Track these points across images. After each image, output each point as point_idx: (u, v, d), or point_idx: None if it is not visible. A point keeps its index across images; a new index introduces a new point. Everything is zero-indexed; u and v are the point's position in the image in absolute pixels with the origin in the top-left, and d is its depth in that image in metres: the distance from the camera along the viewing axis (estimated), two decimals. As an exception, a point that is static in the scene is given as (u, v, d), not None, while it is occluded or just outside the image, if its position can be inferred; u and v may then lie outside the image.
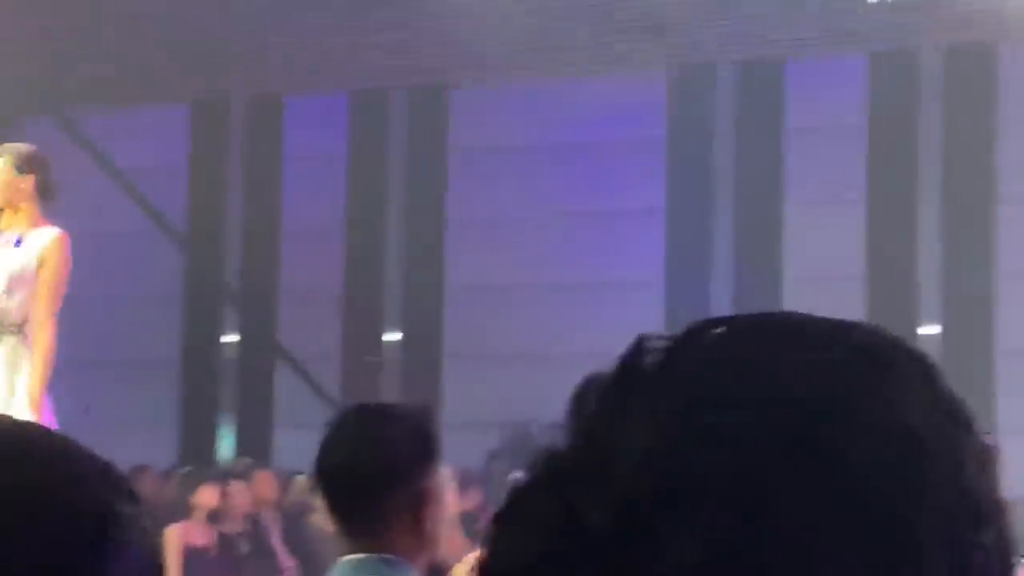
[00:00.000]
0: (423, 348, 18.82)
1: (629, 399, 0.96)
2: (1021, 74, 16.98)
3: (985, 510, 0.93)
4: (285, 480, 13.75)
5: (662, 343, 0.99)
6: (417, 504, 3.66)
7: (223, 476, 13.58)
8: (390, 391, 18.02)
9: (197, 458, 16.63)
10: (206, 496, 12.18)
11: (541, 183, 18.55)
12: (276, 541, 12.41)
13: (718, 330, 0.99)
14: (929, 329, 17.03)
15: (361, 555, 3.69)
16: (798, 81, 18.09)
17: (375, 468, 3.66)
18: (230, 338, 19.59)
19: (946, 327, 17.00)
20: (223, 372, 19.48)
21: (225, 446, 18.89)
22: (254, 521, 12.48)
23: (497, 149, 18.87)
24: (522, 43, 17.84)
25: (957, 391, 0.95)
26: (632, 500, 0.91)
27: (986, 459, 0.97)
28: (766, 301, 17.36)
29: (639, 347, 0.99)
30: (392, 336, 19.16)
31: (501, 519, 0.98)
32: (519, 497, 0.98)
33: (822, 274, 16.92)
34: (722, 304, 17.90)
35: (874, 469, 0.90)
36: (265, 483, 13.15)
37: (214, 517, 12.01)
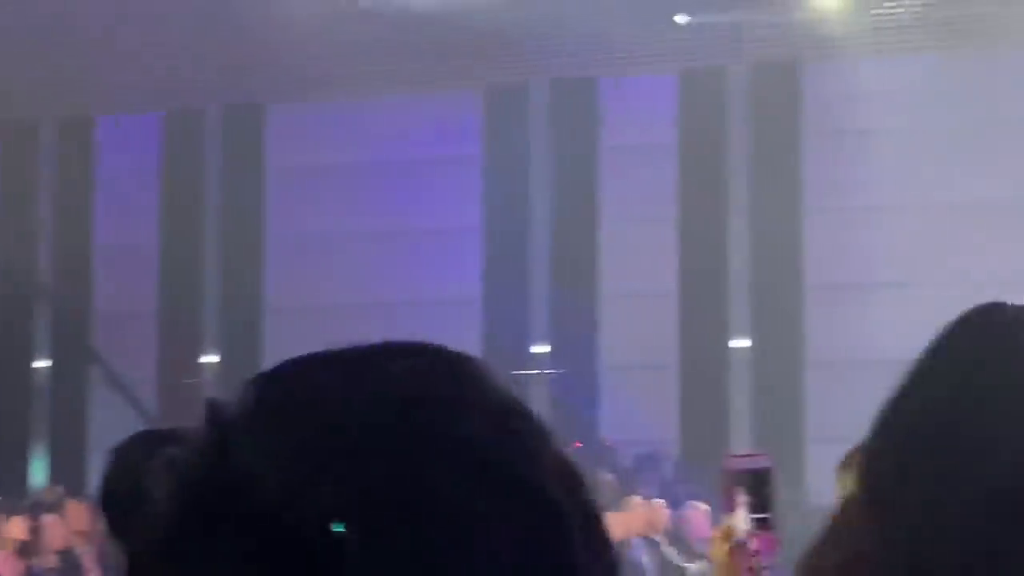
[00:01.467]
0: (242, 369, 18.65)
1: (239, 444, 1.00)
2: (823, 90, 17.42)
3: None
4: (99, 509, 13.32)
5: (232, 399, 1.03)
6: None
7: (35, 507, 13.16)
8: (208, 414, 17.81)
9: (8, 487, 16.24)
10: (15, 529, 11.70)
11: (358, 202, 18.51)
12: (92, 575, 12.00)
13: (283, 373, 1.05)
14: (740, 343, 17.38)
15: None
16: (611, 100, 18.29)
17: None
18: (43, 363, 19.21)
19: (756, 340, 17.34)
20: (35, 396, 19.10)
21: (37, 473, 18.49)
22: (69, 555, 12.05)
23: (315, 168, 18.79)
24: (339, 61, 17.84)
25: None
26: (287, 535, 0.96)
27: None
28: (582, 317, 17.60)
29: (213, 407, 1.03)
30: (211, 358, 18.95)
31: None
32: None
33: (636, 290, 17.16)
34: (539, 321, 18.08)
35: (496, 444, 1.01)
36: (78, 514, 12.60)
37: (24, 551, 11.53)
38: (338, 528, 0.96)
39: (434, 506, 0.99)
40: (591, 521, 1.04)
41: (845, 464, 3.67)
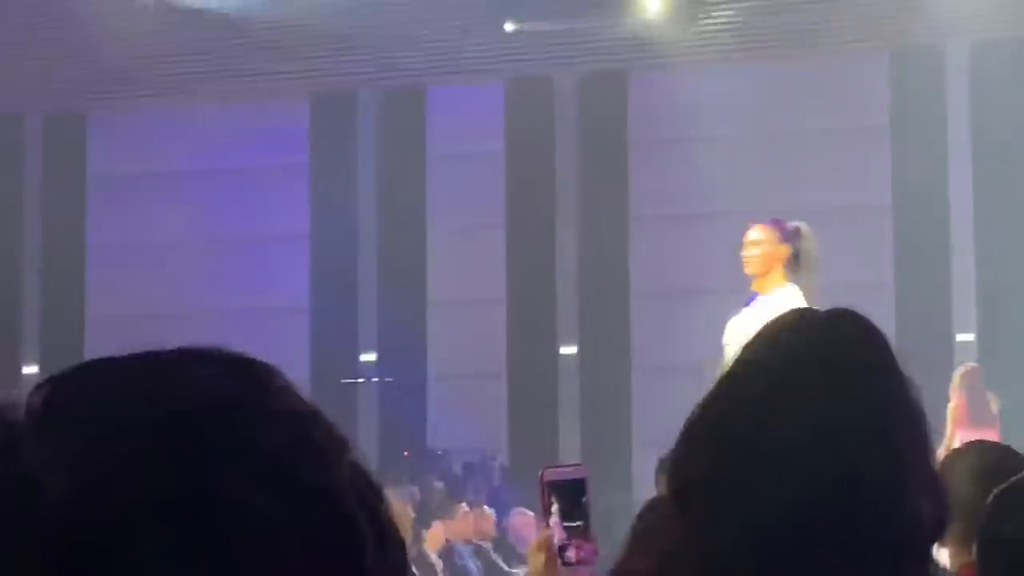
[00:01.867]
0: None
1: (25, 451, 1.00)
2: (650, 100, 17.63)
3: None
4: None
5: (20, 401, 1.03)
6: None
7: None
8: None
9: None
10: None
11: (186, 210, 18.34)
12: None
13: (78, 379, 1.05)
14: (568, 349, 17.49)
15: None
16: (439, 108, 18.35)
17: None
18: None
19: (583, 347, 17.46)
20: None
21: None
22: None
23: (139, 175, 18.57)
24: (163, 67, 17.68)
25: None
26: (75, 541, 0.96)
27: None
28: (410, 324, 17.60)
29: None
30: (31, 368, 18.62)
31: None
32: None
33: (464, 297, 17.22)
34: (368, 329, 18.05)
35: (290, 453, 1.01)
36: None
37: None
38: (126, 533, 0.96)
39: (225, 513, 0.99)
40: (384, 531, 1.06)
41: (660, 468, 3.72)
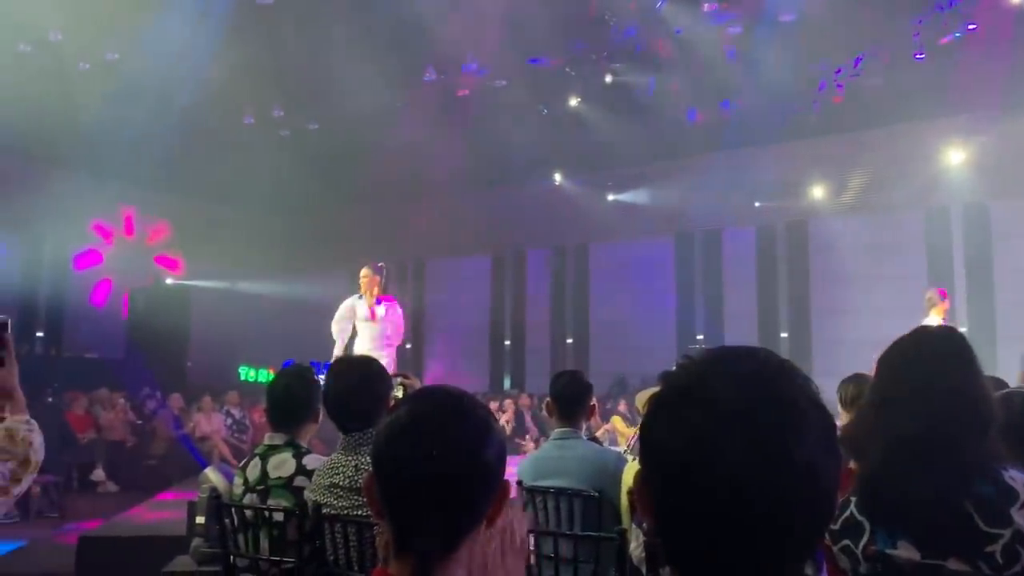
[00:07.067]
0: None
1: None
2: (827, 241, 19.56)
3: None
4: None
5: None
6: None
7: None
8: None
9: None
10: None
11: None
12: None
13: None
14: None
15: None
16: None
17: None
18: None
19: None
20: None
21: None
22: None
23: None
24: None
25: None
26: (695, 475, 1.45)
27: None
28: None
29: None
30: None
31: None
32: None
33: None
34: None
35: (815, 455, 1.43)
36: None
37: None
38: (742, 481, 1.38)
39: (807, 473, 1.38)
40: None
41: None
